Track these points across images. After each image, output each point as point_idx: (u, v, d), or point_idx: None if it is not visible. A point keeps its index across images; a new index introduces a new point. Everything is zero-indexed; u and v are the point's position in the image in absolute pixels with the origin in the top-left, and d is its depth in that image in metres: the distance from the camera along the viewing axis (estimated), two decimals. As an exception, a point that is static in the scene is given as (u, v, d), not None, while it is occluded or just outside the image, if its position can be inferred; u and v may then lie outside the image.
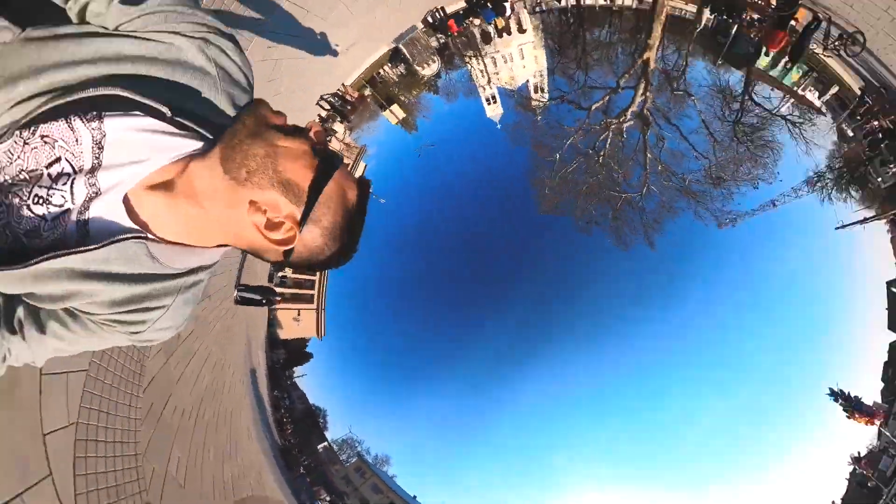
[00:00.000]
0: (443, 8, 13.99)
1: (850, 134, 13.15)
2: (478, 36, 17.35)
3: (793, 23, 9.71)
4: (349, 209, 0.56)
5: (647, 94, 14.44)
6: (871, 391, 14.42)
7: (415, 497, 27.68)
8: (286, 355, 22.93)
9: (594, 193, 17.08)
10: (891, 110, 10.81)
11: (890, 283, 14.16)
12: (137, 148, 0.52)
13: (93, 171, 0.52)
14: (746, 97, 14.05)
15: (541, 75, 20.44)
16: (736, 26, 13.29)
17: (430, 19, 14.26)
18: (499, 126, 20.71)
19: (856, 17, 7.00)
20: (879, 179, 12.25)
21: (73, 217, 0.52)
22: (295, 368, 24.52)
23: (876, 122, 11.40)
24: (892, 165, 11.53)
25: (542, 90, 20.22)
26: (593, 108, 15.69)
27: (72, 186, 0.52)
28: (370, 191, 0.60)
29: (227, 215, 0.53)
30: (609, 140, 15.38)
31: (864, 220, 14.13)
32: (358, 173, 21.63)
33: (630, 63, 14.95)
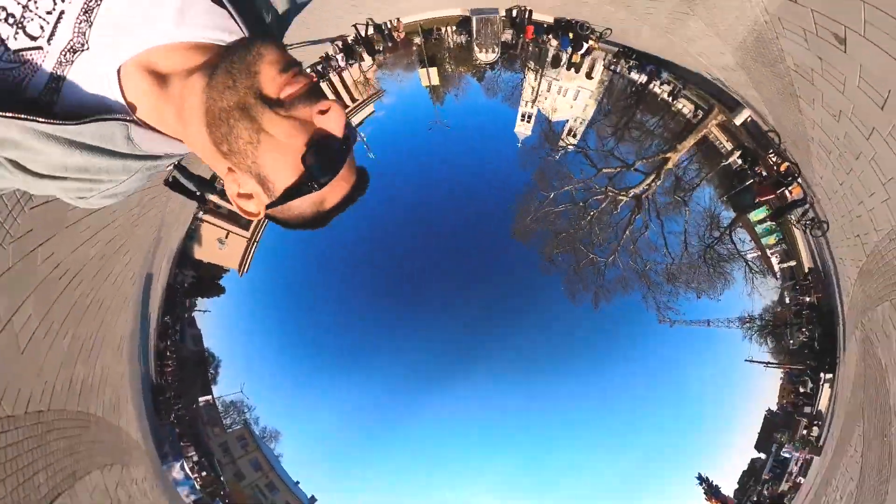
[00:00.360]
0: (531, 11, 13.86)
1: (787, 300, 16.74)
2: (550, 56, 17.44)
3: (788, 192, 11.19)
4: (323, 211, 0.50)
5: (653, 185, 15.57)
6: (728, 488, 18.93)
7: (297, 483, 24.78)
8: (194, 279, 19.51)
9: (567, 242, 18.68)
10: (821, 291, 13.27)
11: (767, 413, 17.94)
12: (160, 7, 0.43)
13: (88, 13, 0.41)
14: (728, 232, 16.35)
15: (581, 122, 20.92)
16: (751, 181, 15.39)
17: (513, 13, 14.08)
18: (519, 144, 20.87)
19: (831, 208, 7.84)
20: (791, 341, 15.98)
21: (47, 65, 0.42)
22: (199, 299, 21.14)
23: (807, 298, 14.24)
24: (801, 335, 14.78)
25: (574, 136, 20.70)
26: (603, 170, 16.89)
27: (57, 20, 0.41)
28: (357, 197, 0.53)
29: (207, 155, 0.47)
30: (602, 205, 16.67)
31: (768, 364, 18.20)
32: (360, 117, 20.63)
33: (654, 154, 16.06)
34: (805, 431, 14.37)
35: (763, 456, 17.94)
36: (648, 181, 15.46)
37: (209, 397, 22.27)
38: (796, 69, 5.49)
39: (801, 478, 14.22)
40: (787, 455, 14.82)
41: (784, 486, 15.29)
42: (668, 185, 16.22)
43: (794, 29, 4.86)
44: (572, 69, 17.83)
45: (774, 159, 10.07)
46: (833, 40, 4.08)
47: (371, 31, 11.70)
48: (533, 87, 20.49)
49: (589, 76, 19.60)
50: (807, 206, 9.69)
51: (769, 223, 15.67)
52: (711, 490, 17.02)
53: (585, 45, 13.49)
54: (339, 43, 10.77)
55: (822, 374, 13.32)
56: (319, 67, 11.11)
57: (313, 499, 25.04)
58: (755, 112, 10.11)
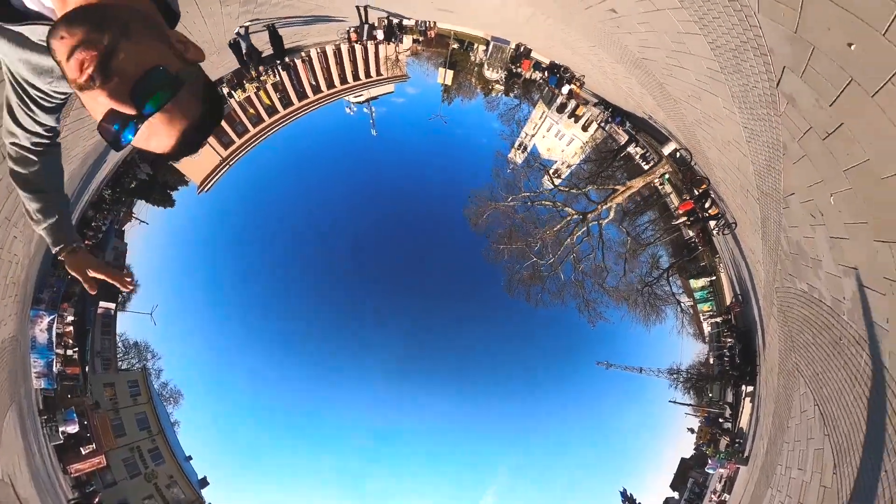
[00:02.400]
0: (530, 49, 17.02)
1: (711, 361, 17.97)
2: (557, 101, 20.50)
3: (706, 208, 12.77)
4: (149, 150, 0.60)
5: (599, 209, 17.30)
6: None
7: (189, 458, 19.80)
8: (147, 175, 17.12)
9: (519, 248, 20.22)
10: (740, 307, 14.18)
11: (683, 459, 19.34)
12: None
13: None
14: (665, 276, 18.04)
15: (567, 167, 23.34)
16: (697, 252, 17.11)
17: (520, 48, 17.30)
18: (508, 170, 23.32)
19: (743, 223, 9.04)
20: (710, 395, 18.05)
21: None
22: (141, 202, 18.80)
23: (729, 341, 15.31)
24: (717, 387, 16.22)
25: (559, 176, 23.05)
26: (559, 188, 19.07)
27: None
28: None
29: None
30: (557, 222, 18.33)
31: (689, 406, 21.11)
32: (381, 91, 23.72)
33: (606, 185, 17.99)
34: (727, 446, 14.43)
35: (676, 495, 18.59)
36: (599, 210, 17.03)
37: (111, 305, 18.04)
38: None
39: (726, 495, 13.61)
40: (710, 471, 14.61)
41: None
42: (618, 217, 18.01)
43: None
44: (571, 117, 20.82)
45: (697, 186, 11.85)
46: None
47: (412, 22, 14.89)
48: (535, 124, 23.49)
49: (584, 129, 22.49)
50: (720, 217, 11.28)
51: (705, 290, 17.03)
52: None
53: (568, 87, 16.26)
54: (379, 18, 13.92)
55: (743, 387, 13.64)
56: (355, 30, 14.12)
57: (205, 481, 19.99)
58: (680, 146, 12.06)
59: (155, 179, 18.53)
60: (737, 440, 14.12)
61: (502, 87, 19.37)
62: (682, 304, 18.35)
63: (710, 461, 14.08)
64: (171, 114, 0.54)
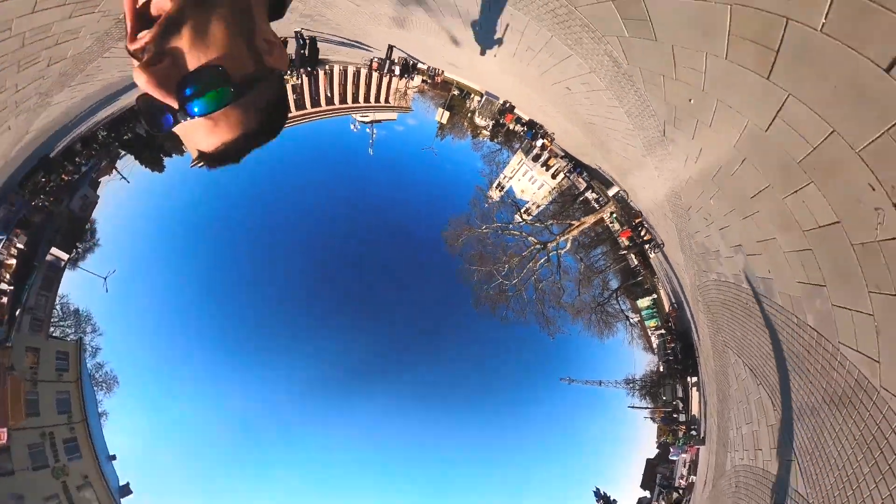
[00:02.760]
0: (514, 106, 20.75)
1: (661, 369, 20.54)
2: (533, 150, 24.24)
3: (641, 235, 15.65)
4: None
5: (558, 239, 20.20)
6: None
7: (113, 458, 17.00)
8: (140, 136, 15.57)
9: (487, 270, 22.34)
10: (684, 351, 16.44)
11: (648, 459, 20.88)
12: None
13: None
14: (615, 296, 21.09)
15: (536, 207, 26.73)
16: (641, 276, 20.40)
17: (507, 104, 21.01)
18: (485, 204, 26.19)
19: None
20: (664, 397, 20.04)
21: None
22: (127, 156, 17.07)
23: (672, 344, 17.66)
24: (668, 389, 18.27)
25: (528, 214, 26.29)
26: (525, 220, 21.94)
27: None
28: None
29: None
30: (522, 250, 20.90)
31: (646, 409, 23.63)
32: (385, 116, 26.65)
33: (566, 220, 21.20)
34: (684, 433, 15.71)
35: (648, 494, 19.38)
36: (557, 241, 20.20)
37: (64, 255, 15.49)
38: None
39: (692, 477, 14.61)
40: (674, 458, 15.71)
41: (675, 496, 15.84)
42: (573, 247, 21.14)
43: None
44: (544, 167, 24.56)
45: (633, 218, 14.82)
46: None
47: (406, 63, 17.85)
48: (514, 168, 27.07)
49: (553, 177, 26.36)
50: (654, 241, 13.93)
51: (651, 309, 20.16)
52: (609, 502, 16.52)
53: (542, 141, 19.82)
54: (400, 56, 16.63)
55: (689, 379, 15.46)
56: (378, 61, 16.73)
57: (127, 488, 17.38)
58: (620, 188, 15.14)
59: (153, 139, 16.74)
60: (692, 426, 15.88)
61: (488, 134, 22.80)
62: (631, 320, 21.18)
63: (672, 450, 15.68)
64: (218, 122, 0.47)
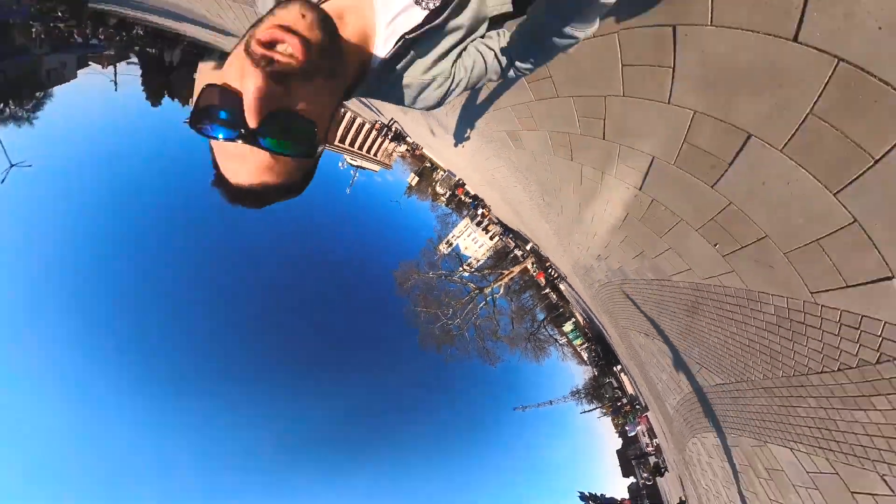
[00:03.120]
0: (464, 183, 28.13)
1: (595, 374, 24.84)
2: (476, 217, 31.38)
3: (551, 275, 21.71)
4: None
5: (493, 286, 25.67)
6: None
7: None
8: (170, 62, 14.14)
9: (433, 312, 25.66)
10: (604, 349, 20.19)
11: (618, 451, 23.09)
12: None
13: None
14: (543, 325, 25.97)
15: (476, 261, 32.96)
16: (561, 307, 26.83)
17: (461, 181, 28.37)
18: (435, 257, 31.32)
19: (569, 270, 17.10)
20: (607, 394, 23.73)
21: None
22: (134, 65, 14.41)
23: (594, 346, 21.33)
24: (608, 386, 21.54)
25: (470, 266, 32.22)
26: (469, 270, 27.28)
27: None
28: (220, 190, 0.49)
29: None
30: (463, 295, 25.56)
31: (595, 409, 26.90)
32: (369, 166, 31.93)
33: (499, 273, 27.14)
34: (628, 410, 17.85)
35: (633, 478, 20.34)
36: (491, 288, 25.78)
37: None
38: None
39: (655, 440, 15.79)
40: (632, 432, 17.49)
41: (652, 461, 16.56)
42: (507, 291, 26.51)
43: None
44: (485, 231, 31.64)
45: (544, 263, 21.00)
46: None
47: (397, 133, 24.20)
48: (461, 230, 33.71)
49: (491, 238, 33.52)
50: (559, 276, 19.64)
51: (574, 330, 25.96)
52: (599, 500, 16.31)
53: (482, 210, 26.94)
54: (396, 127, 22.58)
55: (615, 368, 18.69)
56: (379, 124, 22.28)
57: None
58: (535, 244, 21.52)
59: (171, 70, 14.88)
60: (634, 402, 18.82)
61: (444, 200, 29.49)
62: (559, 341, 26.48)
63: (628, 427, 18.18)
64: (273, 164, 0.46)
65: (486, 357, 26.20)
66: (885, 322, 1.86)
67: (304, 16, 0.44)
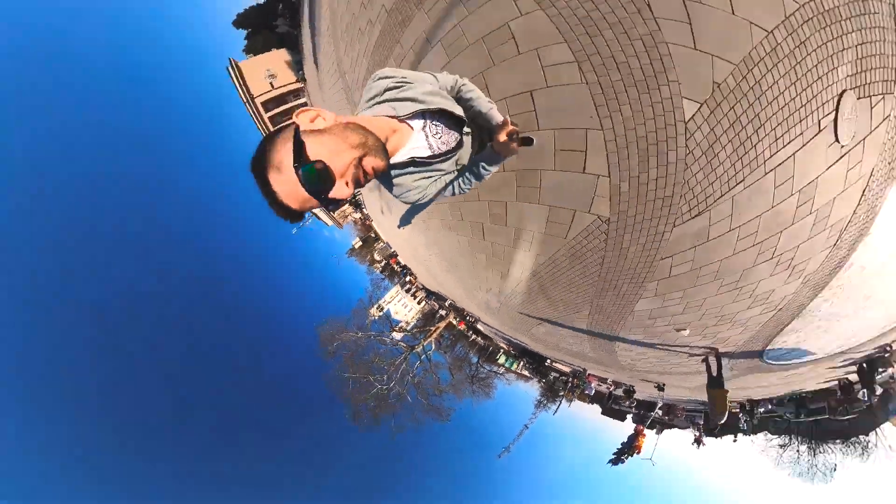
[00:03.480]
0: (396, 254, 31.32)
1: (541, 380, 25.52)
2: (406, 285, 33.77)
3: (466, 318, 24.46)
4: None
5: (422, 342, 26.92)
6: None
7: None
8: (287, 27, 18.06)
9: (362, 377, 24.07)
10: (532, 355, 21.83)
11: (602, 412, 23.17)
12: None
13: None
14: (480, 366, 26.91)
15: (407, 324, 34.18)
16: (491, 346, 28.90)
17: (394, 252, 31.40)
18: (367, 320, 31.37)
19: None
20: (560, 389, 24.33)
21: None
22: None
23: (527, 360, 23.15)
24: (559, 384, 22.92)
25: (403, 330, 33.22)
26: (399, 331, 28.28)
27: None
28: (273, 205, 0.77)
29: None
30: (395, 356, 25.66)
31: (561, 401, 26.49)
32: (323, 218, 31.50)
33: (427, 331, 28.79)
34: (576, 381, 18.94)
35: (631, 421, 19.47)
36: (422, 344, 27.09)
37: None
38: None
39: (607, 380, 15.93)
40: (591, 392, 18.99)
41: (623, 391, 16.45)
42: (439, 347, 27.76)
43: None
44: (414, 297, 34.03)
45: (462, 313, 23.81)
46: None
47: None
48: (393, 296, 35.30)
49: (419, 303, 35.74)
50: (475, 318, 22.24)
51: (507, 358, 26.86)
52: (628, 444, 13.30)
53: (409, 277, 29.98)
54: (359, 198, 24.62)
55: (546, 363, 20.72)
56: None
57: None
58: (452, 300, 24.53)
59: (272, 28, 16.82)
60: (575, 374, 20.09)
61: (380, 267, 31.76)
62: (499, 372, 27.06)
63: (587, 392, 19.91)
64: (294, 188, 0.73)
65: (436, 415, 24.88)
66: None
67: (383, 164, 0.85)
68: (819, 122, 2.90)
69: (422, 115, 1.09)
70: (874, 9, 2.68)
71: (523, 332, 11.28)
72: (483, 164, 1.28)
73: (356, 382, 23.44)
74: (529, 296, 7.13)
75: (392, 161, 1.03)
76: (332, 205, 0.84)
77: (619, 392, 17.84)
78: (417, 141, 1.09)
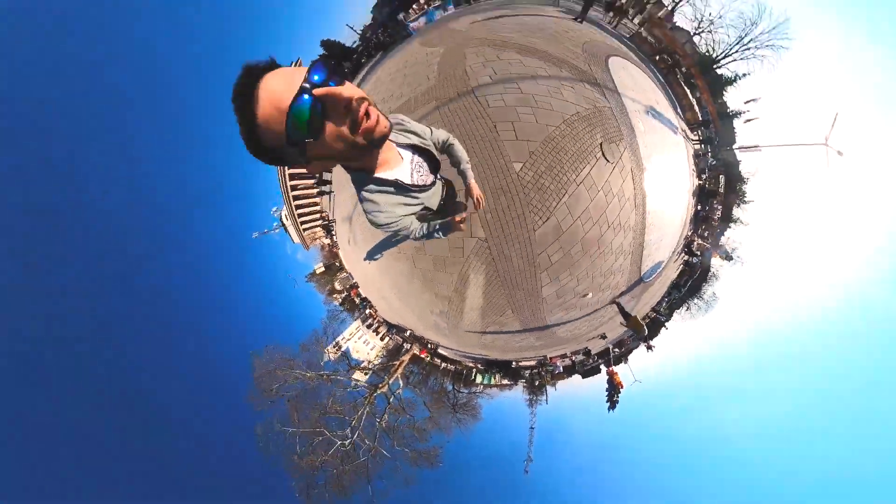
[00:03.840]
0: (357, 285, 31.86)
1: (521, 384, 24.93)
2: (368, 321, 33.79)
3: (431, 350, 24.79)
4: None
5: (387, 382, 26.38)
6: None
7: None
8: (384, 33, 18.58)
9: (317, 432, 17.82)
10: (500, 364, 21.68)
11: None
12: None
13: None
14: (456, 391, 26.61)
15: (369, 363, 33.36)
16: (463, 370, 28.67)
17: (355, 283, 31.86)
18: (323, 360, 30.36)
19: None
20: (539, 380, 23.77)
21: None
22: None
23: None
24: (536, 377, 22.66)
25: (365, 369, 32.40)
26: (358, 369, 27.93)
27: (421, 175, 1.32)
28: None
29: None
30: (358, 401, 23.70)
31: (549, 391, 25.63)
32: (292, 233, 31.19)
33: (391, 366, 28.43)
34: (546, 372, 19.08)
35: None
36: (385, 380, 26.60)
37: None
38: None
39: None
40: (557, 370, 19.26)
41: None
42: (408, 384, 27.44)
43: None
44: (375, 332, 34.00)
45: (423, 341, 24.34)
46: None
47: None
48: (352, 333, 34.80)
49: (382, 339, 35.51)
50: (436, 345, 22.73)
51: (482, 375, 26.36)
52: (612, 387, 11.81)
53: (370, 310, 30.39)
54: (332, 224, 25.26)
55: (513, 364, 20.90)
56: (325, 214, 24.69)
57: None
58: (414, 331, 25.29)
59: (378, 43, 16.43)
60: (544, 364, 21.05)
61: (340, 300, 31.78)
62: (478, 391, 26.25)
63: (555, 371, 20.03)
64: (277, 118, 0.72)
65: (426, 461, 19.35)
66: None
67: (387, 126, 0.88)
68: (596, 154, 5.21)
69: (413, 150, 1.29)
70: (604, 106, 5.10)
71: (477, 345, 11.91)
72: (439, 229, 1.61)
73: (306, 439, 16.06)
74: (463, 310, 8.05)
75: (378, 175, 1.14)
76: (313, 135, 0.71)
77: (581, 357, 20.20)
78: (404, 169, 1.24)
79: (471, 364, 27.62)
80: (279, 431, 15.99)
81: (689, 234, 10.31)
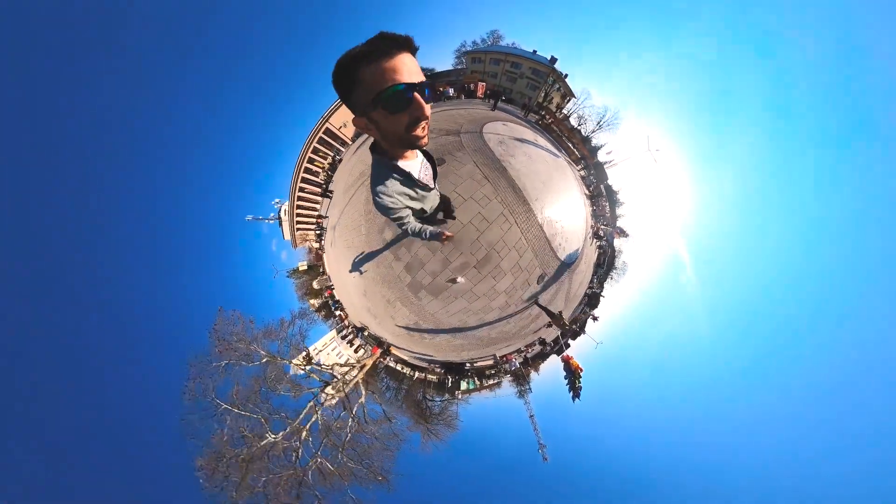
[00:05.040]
0: (332, 288, 34.21)
1: (505, 382, 23.31)
2: (342, 331, 35.27)
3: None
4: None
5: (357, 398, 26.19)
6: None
7: None
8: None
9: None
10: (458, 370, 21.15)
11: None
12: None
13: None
14: (428, 398, 25.53)
15: (331, 368, 33.90)
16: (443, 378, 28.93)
17: (332, 284, 34.29)
18: (291, 372, 29.53)
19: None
20: (523, 372, 21.96)
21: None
22: None
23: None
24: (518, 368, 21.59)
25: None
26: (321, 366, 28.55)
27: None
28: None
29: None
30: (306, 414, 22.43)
31: (530, 380, 23.44)
32: (285, 229, 32.81)
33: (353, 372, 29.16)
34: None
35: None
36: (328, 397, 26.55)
37: None
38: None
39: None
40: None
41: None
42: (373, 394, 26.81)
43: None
44: (349, 344, 35.35)
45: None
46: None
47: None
48: (325, 343, 35.93)
49: (356, 352, 36.46)
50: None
51: (466, 382, 25.46)
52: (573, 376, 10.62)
53: (339, 312, 32.40)
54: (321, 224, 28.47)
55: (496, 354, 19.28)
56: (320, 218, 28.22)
57: None
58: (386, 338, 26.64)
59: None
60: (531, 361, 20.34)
61: (317, 305, 33.95)
62: (459, 399, 24.98)
63: (512, 368, 19.46)
64: (390, 78, 1.12)
65: (384, 484, 14.08)
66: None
67: (426, 142, 1.46)
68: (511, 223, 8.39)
69: (424, 155, 1.64)
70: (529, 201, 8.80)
71: (443, 349, 12.65)
72: (428, 234, 1.87)
73: (239, 422, 12.74)
74: (408, 319, 9.44)
75: (397, 163, 1.39)
76: (428, 89, 1.16)
77: (538, 347, 21.41)
78: (415, 166, 1.57)
79: (425, 366, 29.46)
80: (211, 402, 13.87)
81: (594, 224, 14.35)
